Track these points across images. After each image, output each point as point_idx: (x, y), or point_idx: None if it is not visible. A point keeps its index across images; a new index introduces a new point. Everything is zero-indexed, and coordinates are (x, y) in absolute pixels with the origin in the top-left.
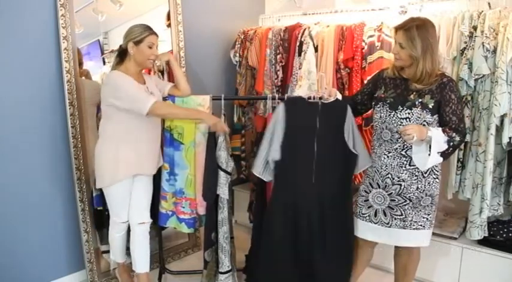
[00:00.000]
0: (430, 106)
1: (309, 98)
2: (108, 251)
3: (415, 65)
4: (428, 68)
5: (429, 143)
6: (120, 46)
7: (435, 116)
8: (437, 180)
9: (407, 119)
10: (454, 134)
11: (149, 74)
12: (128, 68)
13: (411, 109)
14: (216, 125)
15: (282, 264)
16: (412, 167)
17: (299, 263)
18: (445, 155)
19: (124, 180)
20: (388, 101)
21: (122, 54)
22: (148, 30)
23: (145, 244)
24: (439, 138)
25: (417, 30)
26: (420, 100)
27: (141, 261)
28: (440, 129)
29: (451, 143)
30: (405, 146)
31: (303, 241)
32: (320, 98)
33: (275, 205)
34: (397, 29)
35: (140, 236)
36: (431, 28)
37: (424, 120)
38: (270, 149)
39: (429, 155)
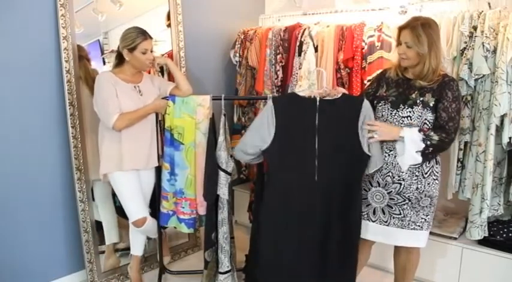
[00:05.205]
0: (431, 104)
1: (310, 96)
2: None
3: (422, 62)
4: (434, 65)
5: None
6: (118, 49)
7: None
8: (436, 181)
9: (409, 118)
10: (432, 132)
11: (149, 73)
12: (125, 69)
13: (412, 107)
14: (159, 106)
15: (284, 263)
16: (412, 167)
17: (303, 262)
18: (425, 155)
19: (115, 173)
20: (390, 100)
21: (121, 56)
22: (142, 36)
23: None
24: (413, 136)
25: (422, 27)
26: (421, 99)
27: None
28: (416, 128)
29: (428, 142)
30: None
31: (310, 237)
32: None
33: (270, 203)
34: (402, 28)
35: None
36: (434, 25)
37: (425, 119)
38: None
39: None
